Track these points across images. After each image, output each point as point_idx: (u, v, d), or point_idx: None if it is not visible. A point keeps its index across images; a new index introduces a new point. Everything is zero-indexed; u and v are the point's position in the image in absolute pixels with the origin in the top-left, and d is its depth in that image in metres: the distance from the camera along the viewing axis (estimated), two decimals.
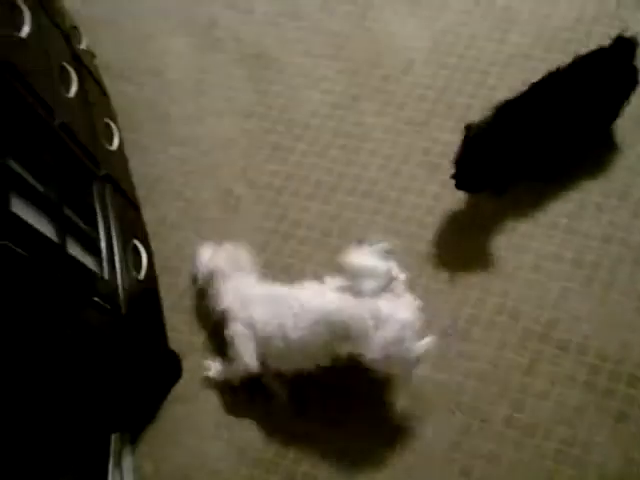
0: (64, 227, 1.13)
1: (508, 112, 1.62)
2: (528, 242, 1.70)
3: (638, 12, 2.00)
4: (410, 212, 1.78)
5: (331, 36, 2.15)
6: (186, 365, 1.65)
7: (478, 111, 1.88)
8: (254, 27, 2.23)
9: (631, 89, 1.69)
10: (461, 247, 1.72)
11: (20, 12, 1.36)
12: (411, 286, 1.45)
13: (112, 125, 1.79)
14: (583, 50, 1.69)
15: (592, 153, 1.80)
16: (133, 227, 1.65)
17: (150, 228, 1.85)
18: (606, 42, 1.65)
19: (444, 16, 2.12)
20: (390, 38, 2.10)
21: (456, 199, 1.77)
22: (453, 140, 1.84)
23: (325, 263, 1.72)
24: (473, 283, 1.66)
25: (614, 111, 1.73)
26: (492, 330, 1.59)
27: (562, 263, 1.66)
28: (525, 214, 1.74)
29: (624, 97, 1.70)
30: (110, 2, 2.41)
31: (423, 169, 1.85)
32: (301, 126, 1.98)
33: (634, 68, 1.66)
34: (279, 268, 1.75)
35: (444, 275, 1.68)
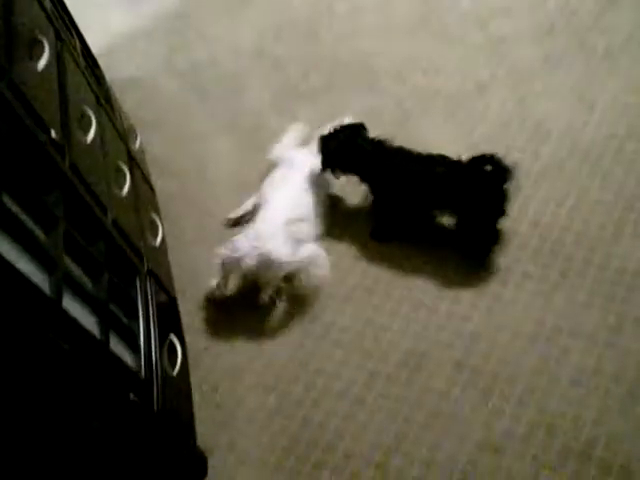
0: (108, 323, 1.17)
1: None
2: (567, 356, 1.67)
3: None
4: (444, 319, 1.78)
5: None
6: (211, 462, 1.63)
7: (510, 221, 1.93)
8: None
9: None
10: (497, 355, 1.70)
11: (89, 119, 1.47)
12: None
13: (157, 220, 1.86)
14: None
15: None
16: (171, 322, 1.68)
17: (185, 320, 1.88)
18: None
19: (480, 126, 2.21)
20: (426, 145, 2.16)
21: (490, 307, 1.77)
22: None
23: (357, 367, 1.71)
24: (508, 396, 1.62)
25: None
26: (528, 446, 1.54)
27: (600, 377, 1.62)
28: (562, 326, 1.72)
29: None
30: (163, 105, 2.58)
31: (459, 275, 1.86)
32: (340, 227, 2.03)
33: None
34: (312, 370, 1.74)
35: (478, 386, 1.65)
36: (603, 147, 2.07)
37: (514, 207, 1.96)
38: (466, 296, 1.82)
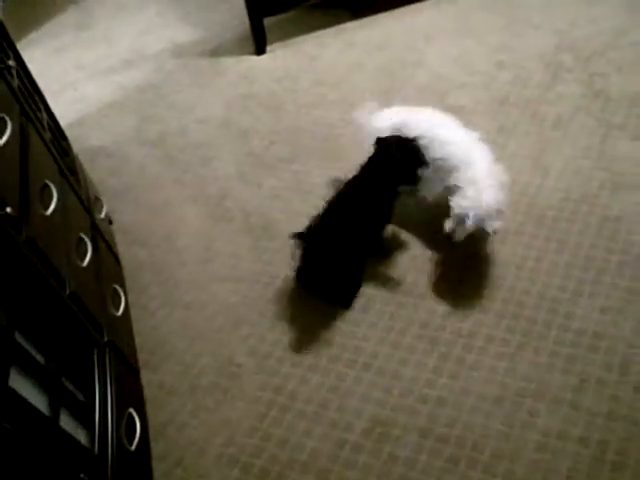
0: (59, 399, 1.14)
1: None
2: (533, 418, 1.67)
3: (617, 193, 2.13)
4: (409, 385, 1.78)
5: None
6: None
7: (473, 286, 1.97)
8: (262, 200, 2.38)
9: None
10: (462, 421, 1.69)
11: (50, 191, 1.48)
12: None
13: (120, 291, 1.85)
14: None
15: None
16: (130, 395, 1.64)
17: (148, 392, 1.85)
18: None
19: None
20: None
21: (454, 373, 1.78)
22: (450, 312, 1.91)
23: (322, 438, 1.70)
24: (475, 463, 1.61)
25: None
26: None
27: (567, 441, 1.62)
28: (526, 389, 1.73)
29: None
30: (133, 174, 2.61)
31: (421, 342, 1.87)
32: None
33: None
34: (276, 441, 1.71)
35: (444, 454, 1.63)
36: (559, 210, 2.13)
37: (476, 272, 2.01)
38: (430, 361, 1.82)
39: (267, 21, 3.05)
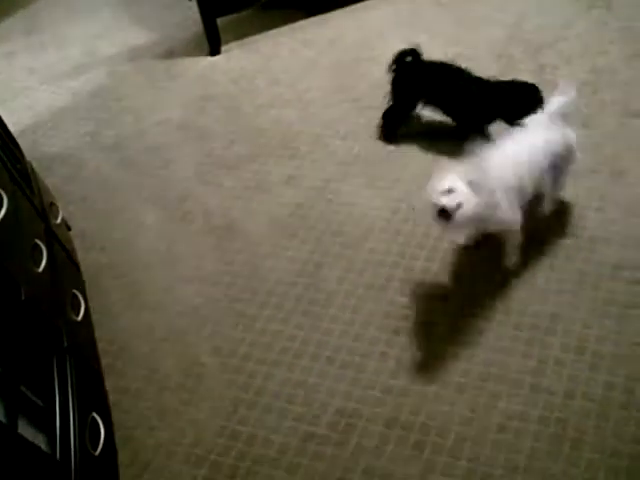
0: (17, 406, 1.13)
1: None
2: (495, 401, 1.71)
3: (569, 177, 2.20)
4: (373, 377, 1.80)
5: (295, 206, 2.30)
6: None
7: (434, 275, 2.00)
8: (222, 200, 2.38)
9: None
10: (426, 409, 1.72)
11: (0, 198, 1.46)
12: None
13: (79, 296, 1.83)
14: None
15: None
16: (93, 400, 1.63)
17: (113, 397, 1.83)
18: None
19: (399, 186, 2.30)
20: (350, 207, 2.26)
21: (417, 362, 1.81)
22: (411, 302, 1.93)
23: (289, 432, 1.70)
24: (440, 448, 1.64)
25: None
26: None
27: (528, 422, 1.66)
28: (488, 373, 1.77)
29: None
30: (90, 179, 2.59)
31: (384, 333, 1.89)
32: (266, 293, 2.04)
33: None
34: (244, 438, 1.72)
35: (410, 441, 1.66)
36: None
37: (435, 263, 2.04)
38: (392, 353, 1.84)
39: (221, 21, 3.05)
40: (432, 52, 2.84)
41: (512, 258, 1.97)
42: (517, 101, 2.19)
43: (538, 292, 1.92)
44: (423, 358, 1.82)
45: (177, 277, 2.16)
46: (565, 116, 1.96)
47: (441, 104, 2.36)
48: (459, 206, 1.69)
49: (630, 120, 2.41)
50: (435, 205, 1.70)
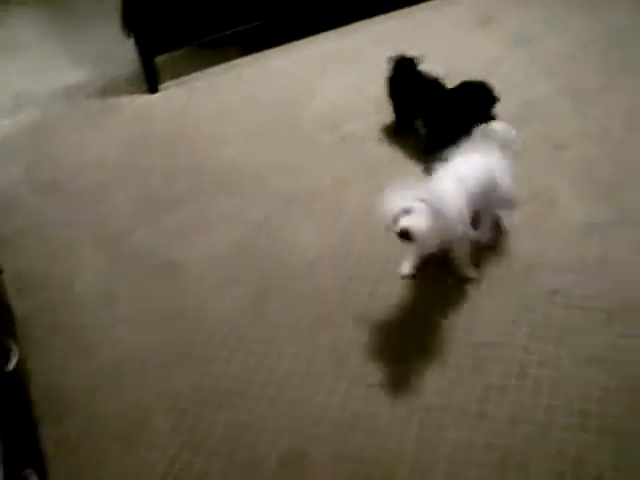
0: None
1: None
2: (442, 433, 1.72)
3: None
4: (321, 412, 1.78)
5: (237, 243, 2.28)
6: None
7: (378, 306, 2.01)
8: (162, 238, 2.35)
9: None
10: (375, 443, 1.71)
11: None
12: None
13: (11, 343, 1.74)
14: None
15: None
16: (27, 453, 1.55)
17: (50, 448, 1.75)
18: None
19: (341, 220, 2.32)
20: (292, 242, 2.26)
21: (364, 395, 1.80)
22: (358, 335, 1.94)
23: (236, 477, 1.66)
24: None
25: None
26: None
27: (474, 450, 1.67)
28: (432, 402, 1.78)
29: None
30: (25, 218, 2.52)
31: (331, 367, 1.88)
32: (209, 333, 2.01)
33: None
34: None
35: (360, 476, 1.64)
36: None
37: (378, 294, 2.06)
38: (339, 387, 1.83)
39: (159, 59, 3.04)
40: (369, 87, 2.93)
41: (469, 269, 2.04)
42: (474, 102, 2.35)
43: (479, 321, 1.96)
44: (370, 391, 1.81)
45: (117, 318, 2.10)
46: (502, 146, 2.06)
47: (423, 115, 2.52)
48: (418, 226, 1.74)
49: (559, 152, 2.52)
50: (395, 228, 1.75)
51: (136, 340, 2.03)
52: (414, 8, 3.44)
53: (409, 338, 1.94)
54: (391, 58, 2.56)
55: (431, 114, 2.47)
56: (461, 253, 2.02)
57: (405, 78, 2.53)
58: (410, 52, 2.73)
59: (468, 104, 2.34)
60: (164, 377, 1.91)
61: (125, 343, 2.02)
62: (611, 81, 2.84)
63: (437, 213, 1.77)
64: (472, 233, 2.00)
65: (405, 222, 1.73)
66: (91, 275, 2.26)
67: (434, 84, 2.46)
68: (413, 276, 2.09)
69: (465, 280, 2.04)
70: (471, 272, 2.06)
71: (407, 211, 1.75)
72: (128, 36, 2.98)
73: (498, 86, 2.45)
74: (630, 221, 2.22)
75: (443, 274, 2.09)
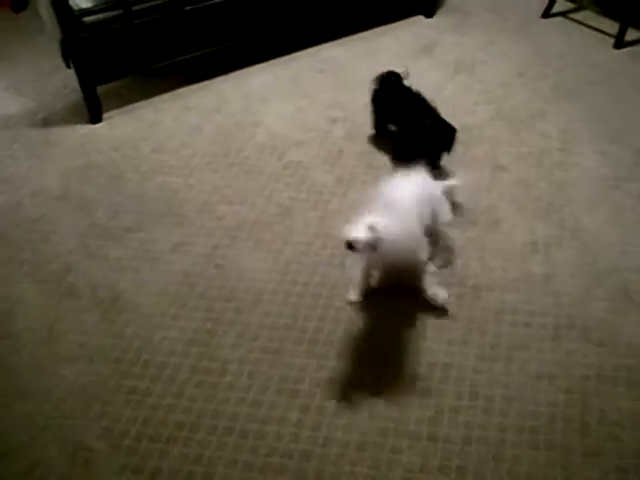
0: None
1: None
2: (396, 456, 1.71)
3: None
4: (273, 443, 1.75)
5: (184, 275, 2.24)
6: None
7: (326, 336, 2.01)
8: (108, 272, 2.28)
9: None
10: (330, 471, 1.69)
11: None
12: None
13: None
14: None
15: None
16: None
17: None
18: None
19: (288, 248, 2.31)
20: (240, 272, 2.24)
21: (317, 423, 1.78)
22: (308, 363, 1.93)
23: None
24: None
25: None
26: None
27: (430, 473, 1.67)
28: (385, 427, 1.77)
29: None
30: None
31: (282, 397, 1.86)
32: (157, 367, 1.96)
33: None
34: None
35: None
36: None
37: (326, 322, 2.05)
38: (291, 416, 1.81)
39: (102, 88, 3.00)
40: (312, 115, 2.97)
41: (429, 285, 2.05)
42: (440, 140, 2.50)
43: (430, 343, 1.98)
44: (322, 419, 1.80)
45: (60, 357, 2.02)
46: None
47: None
48: (379, 238, 1.79)
49: (500, 173, 2.59)
50: (356, 239, 1.78)
51: (80, 379, 1.95)
52: (357, 36, 3.51)
53: (360, 364, 1.94)
54: (378, 76, 2.72)
55: (407, 122, 2.58)
56: (419, 271, 2.04)
57: (390, 89, 2.67)
58: (352, 80, 2.80)
59: (438, 128, 2.48)
60: (109, 415, 1.85)
61: (68, 383, 1.94)
62: (546, 106, 2.96)
63: (395, 229, 1.83)
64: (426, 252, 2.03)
65: (366, 234, 1.78)
66: (32, 313, 2.17)
67: (415, 96, 2.60)
68: (361, 301, 2.09)
69: (437, 304, 2.06)
70: (440, 292, 2.06)
71: (369, 227, 1.80)
72: (68, 66, 2.93)
73: (441, 111, 2.52)
74: (570, 238, 2.30)
75: (392, 298, 2.11)
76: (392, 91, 2.67)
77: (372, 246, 1.80)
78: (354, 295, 2.09)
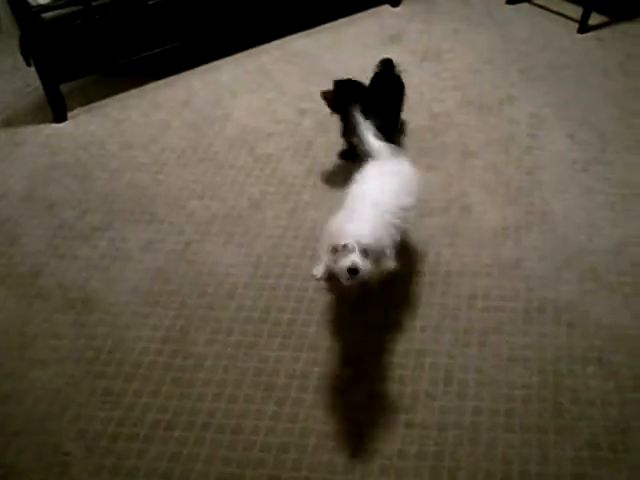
0: None
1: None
2: (373, 444, 1.72)
3: (422, 219, 2.32)
4: (251, 436, 1.75)
5: (156, 272, 2.22)
6: None
7: (300, 327, 2.01)
8: (78, 272, 2.25)
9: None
10: (307, 462, 1.69)
11: None
12: None
13: None
14: None
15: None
16: None
17: None
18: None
19: (259, 240, 2.31)
20: (212, 267, 2.22)
21: (293, 415, 1.79)
22: (282, 356, 1.92)
23: None
24: None
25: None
26: None
27: (407, 459, 1.69)
28: (362, 416, 1.78)
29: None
30: None
31: (258, 390, 1.86)
32: (132, 365, 1.94)
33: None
34: None
35: None
36: None
37: (298, 312, 2.05)
38: (268, 409, 1.81)
39: (66, 86, 2.95)
40: (281, 108, 2.95)
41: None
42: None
43: (404, 331, 1.99)
44: (299, 410, 1.80)
45: (32, 360, 1.99)
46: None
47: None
48: (364, 264, 1.68)
49: (469, 160, 2.61)
50: (342, 268, 1.68)
51: (53, 381, 1.92)
52: (324, 27, 3.51)
53: (334, 355, 1.94)
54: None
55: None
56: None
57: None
58: (321, 71, 2.79)
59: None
60: (84, 417, 1.82)
61: (41, 386, 1.91)
62: (513, 92, 2.98)
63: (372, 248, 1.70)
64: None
65: (354, 260, 1.66)
66: (2, 317, 2.13)
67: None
68: (326, 279, 2.11)
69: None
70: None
71: (345, 247, 1.68)
72: (29, 64, 2.87)
73: (409, 99, 2.52)
74: (540, 222, 2.33)
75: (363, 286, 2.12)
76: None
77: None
78: (319, 271, 2.13)
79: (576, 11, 3.41)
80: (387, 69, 2.62)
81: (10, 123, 3.00)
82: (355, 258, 1.67)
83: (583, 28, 3.37)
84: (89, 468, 1.71)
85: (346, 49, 3.32)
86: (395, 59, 2.64)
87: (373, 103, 2.41)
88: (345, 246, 1.68)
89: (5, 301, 2.19)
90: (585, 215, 2.35)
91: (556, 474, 1.65)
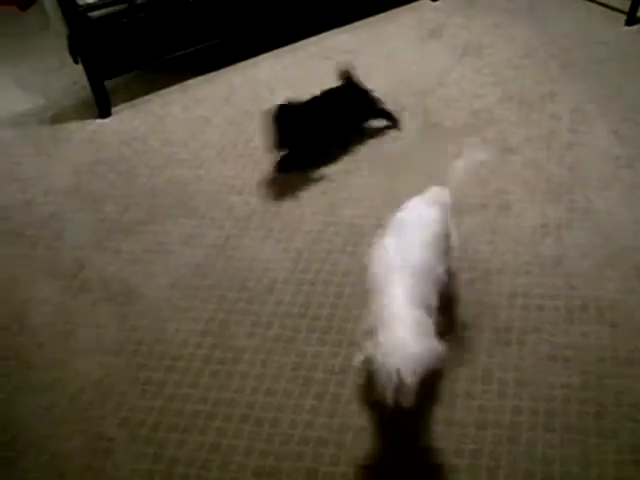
0: None
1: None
2: (411, 442, 1.71)
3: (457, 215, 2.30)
4: (289, 430, 1.77)
5: (196, 266, 2.26)
6: None
7: (338, 323, 2.01)
8: (121, 266, 2.30)
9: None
10: (346, 457, 1.70)
11: None
12: None
13: None
14: None
15: None
16: None
17: None
18: None
19: (298, 236, 2.32)
20: (251, 262, 2.25)
21: (331, 410, 1.79)
22: (321, 351, 1.93)
23: None
24: None
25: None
26: None
27: (444, 456, 1.68)
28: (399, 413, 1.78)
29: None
30: None
31: (296, 385, 1.87)
32: (172, 358, 1.98)
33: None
34: None
35: None
36: None
37: (335, 308, 2.06)
38: (307, 403, 1.82)
39: (110, 83, 3.01)
40: None
41: None
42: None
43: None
44: (336, 406, 1.81)
45: (76, 351, 2.04)
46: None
47: None
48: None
49: (509, 156, 2.57)
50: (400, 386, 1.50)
51: (96, 372, 1.97)
52: (363, 22, 3.50)
53: None
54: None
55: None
56: None
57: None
58: (359, 66, 2.78)
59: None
60: (126, 406, 1.87)
61: (84, 376, 1.97)
62: (554, 87, 2.92)
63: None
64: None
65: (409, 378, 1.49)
66: (47, 310, 2.19)
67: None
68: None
69: None
70: None
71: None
72: (76, 62, 2.94)
73: (449, 95, 2.50)
74: (582, 219, 2.28)
75: None
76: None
77: None
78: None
79: (623, 3, 3.32)
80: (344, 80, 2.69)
81: (57, 119, 3.08)
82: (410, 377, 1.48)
83: (632, 20, 3.28)
84: (131, 455, 1.76)
85: (385, 44, 3.30)
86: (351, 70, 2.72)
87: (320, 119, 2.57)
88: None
89: (50, 293, 2.25)
90: (629, 212, 2.29)
91: (598, 476, 1.62)
